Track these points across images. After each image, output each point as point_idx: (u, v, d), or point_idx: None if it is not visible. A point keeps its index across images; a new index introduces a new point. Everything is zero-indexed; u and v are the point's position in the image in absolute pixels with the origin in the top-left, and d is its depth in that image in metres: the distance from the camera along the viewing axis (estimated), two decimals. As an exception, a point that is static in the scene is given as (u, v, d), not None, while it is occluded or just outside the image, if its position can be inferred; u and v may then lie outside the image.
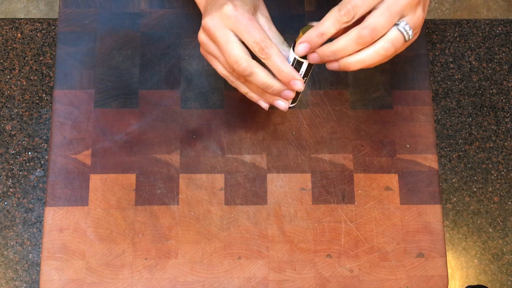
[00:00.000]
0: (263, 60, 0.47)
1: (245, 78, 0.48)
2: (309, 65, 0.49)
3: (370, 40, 0.43)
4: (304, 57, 0.47)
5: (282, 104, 0.50)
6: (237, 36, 0.47)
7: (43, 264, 0.59)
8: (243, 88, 0.51)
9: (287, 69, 0.46)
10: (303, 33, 0.46)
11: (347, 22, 0.43)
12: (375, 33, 0.43)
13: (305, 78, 0.50)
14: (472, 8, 1.52)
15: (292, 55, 0.48)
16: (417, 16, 0.45)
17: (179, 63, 0.65)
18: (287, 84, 0.47)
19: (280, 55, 0.46)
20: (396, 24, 0.44)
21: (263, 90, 0.49)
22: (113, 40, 0.65)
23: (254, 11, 0.49)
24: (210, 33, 0.47)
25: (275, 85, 0.48)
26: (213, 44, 0.48)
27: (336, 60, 0.46)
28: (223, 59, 0.48)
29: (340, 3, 0.44)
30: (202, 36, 0.49)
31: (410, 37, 0.45)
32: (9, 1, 1.47)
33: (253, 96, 0.51)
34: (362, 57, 0.44)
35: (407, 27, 0.44)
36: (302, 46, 0.45)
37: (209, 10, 0.48)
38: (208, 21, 0.47)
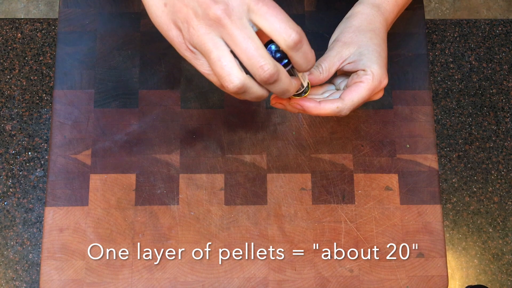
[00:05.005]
0: (294, 52, 0.40)
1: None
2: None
3: None
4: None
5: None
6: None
7: (43, 264, 0.59)
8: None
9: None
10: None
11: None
12: None
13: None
14: (472, 8, 1.52)
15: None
16: None
17: (179, 63, 0.65)
18: (307, 69, 0.43)
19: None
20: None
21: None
22: (113, 40, 0.65)
23: None
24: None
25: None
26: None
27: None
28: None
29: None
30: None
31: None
32: (9, 1, 1.47)
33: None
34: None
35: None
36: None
37: None
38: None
